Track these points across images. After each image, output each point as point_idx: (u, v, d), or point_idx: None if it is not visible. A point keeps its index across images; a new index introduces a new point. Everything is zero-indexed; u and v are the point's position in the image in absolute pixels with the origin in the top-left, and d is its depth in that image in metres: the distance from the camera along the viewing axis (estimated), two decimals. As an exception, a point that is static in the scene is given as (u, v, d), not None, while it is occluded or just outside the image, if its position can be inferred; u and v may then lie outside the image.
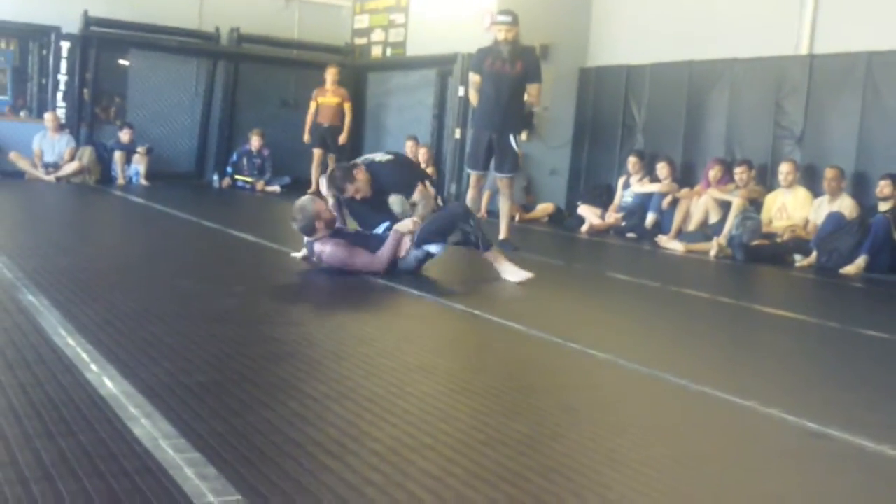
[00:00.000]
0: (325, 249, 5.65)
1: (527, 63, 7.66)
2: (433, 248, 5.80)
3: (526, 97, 7.74)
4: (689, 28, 10.56)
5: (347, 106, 12.56)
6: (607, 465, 2.59)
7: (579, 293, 6.31)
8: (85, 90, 12.78)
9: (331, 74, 12.44)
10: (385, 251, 5.67)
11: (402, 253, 5.75)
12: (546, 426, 2.91)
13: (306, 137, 12.43)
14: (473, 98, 8.00)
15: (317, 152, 12.45)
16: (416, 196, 6.07)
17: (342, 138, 12.49)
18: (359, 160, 6.48)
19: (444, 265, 7.15)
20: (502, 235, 7.76)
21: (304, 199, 5.74)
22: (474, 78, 7.89)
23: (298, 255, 5.99)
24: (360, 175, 6.01)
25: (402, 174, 6.26)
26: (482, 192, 8.18)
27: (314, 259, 5.76)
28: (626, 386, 3.63)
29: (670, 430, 3.07)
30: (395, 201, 6.10)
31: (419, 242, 5.73)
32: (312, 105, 12.45)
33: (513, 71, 7.59)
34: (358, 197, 6.06)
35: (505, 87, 7.62)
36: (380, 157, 6.39)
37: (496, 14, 7.85)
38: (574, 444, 2.74)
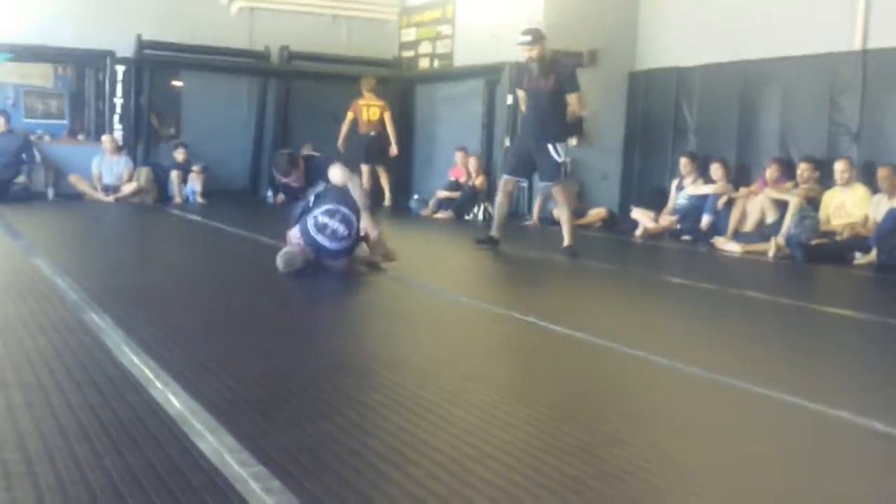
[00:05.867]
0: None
1: (560, 75, 7.76)
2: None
3: (569, 108, 7.83)
4: (738, 28, 10.43)
5: (388, 115, 12.53)
6: (669, 471, 2.57)
7: (635, 298, 6.26)
8: (153, 115, 13.13)
9: (367, 84, 12.49)
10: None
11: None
12: (605, 432, 2.90)
13: (340, 144, 12.37)
14: (524, 111, 8.20)
15: (365, 168, 12.33)
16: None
17: (393, 150, 12.53)
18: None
19: (497, 271, 7.16)
20: (565, 243, 7.85)
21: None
22: (520, 94, 8.15)
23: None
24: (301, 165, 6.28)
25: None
26: (513, 199, 8.26)
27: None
28: (687, 391, 3.60)
29: (733, 434, 3.03)
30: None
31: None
32: (350, 115, 12.51)
33: (547, 85, 7.73)
34: (294, 184, 6.34)
35: (542, 100, 7.77)
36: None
37: (518, 34, 7.91)
38: (635, 450, 2.72)
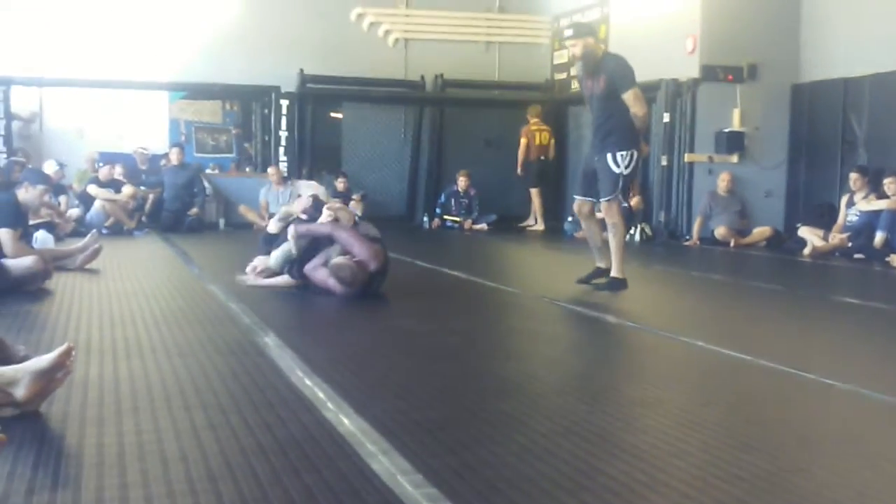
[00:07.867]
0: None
1: (608, 74, 6.50)
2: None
3: (631, 111, 6.49)
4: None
5: (553, 140, 13.62)
6: (858, 502, 2.43)
7: (807, 319, 5.98)
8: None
9: (534, 111, 13.43)
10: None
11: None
12: (786, 460, 2.77)
13: (520, 171, 13.36)
14: None
15: (535, 191, 13.41)
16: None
17: None
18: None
19: (657, 293, 7.00)
20: (613, 273, 6.61)
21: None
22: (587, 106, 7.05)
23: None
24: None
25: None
26: (590, 218, 6.80)
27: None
28: (872, 417, 3.40)
29: (926, 464, 2.84)
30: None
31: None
32: (524, 141, 13.34)
33: (598, 88, 6.58)
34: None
35: (595, 106, 6.70)
36: None
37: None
38: (819, 480, 2.59)
